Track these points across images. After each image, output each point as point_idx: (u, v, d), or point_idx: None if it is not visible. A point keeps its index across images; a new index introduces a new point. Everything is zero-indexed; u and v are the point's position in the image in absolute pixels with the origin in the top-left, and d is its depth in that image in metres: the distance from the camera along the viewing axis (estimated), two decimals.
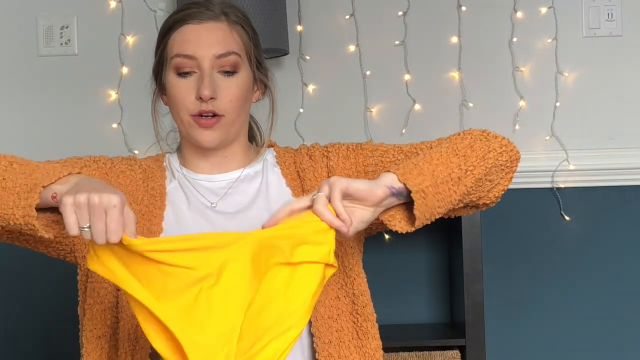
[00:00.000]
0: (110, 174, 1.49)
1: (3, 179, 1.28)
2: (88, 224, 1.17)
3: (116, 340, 1.41)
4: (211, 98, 1.43)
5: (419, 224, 1.31)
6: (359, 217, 1.28)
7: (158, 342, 1.20)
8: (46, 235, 1.25)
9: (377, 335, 1.47)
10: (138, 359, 1.38)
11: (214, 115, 1.44)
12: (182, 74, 1.45)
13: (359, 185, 1.26)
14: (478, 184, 1.37)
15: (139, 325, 1.35)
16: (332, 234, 1.25)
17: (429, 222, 1.34)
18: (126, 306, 1.39)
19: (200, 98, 1.43)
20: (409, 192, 1.29)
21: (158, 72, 1.51)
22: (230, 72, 1.46)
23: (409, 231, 1.31)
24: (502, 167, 1.40)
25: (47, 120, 2.65)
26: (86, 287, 1.44)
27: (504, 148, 1.40)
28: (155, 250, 1.19)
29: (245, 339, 1.20)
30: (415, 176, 1.30)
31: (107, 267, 1.20)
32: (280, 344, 1.21)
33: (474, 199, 1.39)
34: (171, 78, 1.47)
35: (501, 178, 1.41)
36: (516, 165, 1.42)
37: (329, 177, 1.49)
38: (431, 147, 1.44)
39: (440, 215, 1.35)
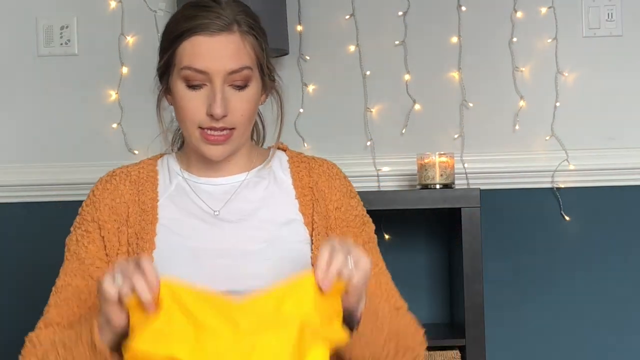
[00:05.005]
0: (101, 220, 1.47)
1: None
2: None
3: None
4: (223, 115, 1.40)
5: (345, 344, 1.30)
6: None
7: None
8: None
9: None
10: None
11: (224, 129, 1.42)
12: (192, 86, 1.42)
13: (365, 284, 1.27)
14: None
15: None
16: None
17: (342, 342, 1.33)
18: None
19: (211, 115, 1.40)
20: (355, 322, 1.31)
21: (164, 73, 1.47)
22: (241, 87, 1.43)
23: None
24: None
25: (47, 120, 2.65)
26: None
27: None
28: (196, 301, 1.21)
29: None
30: (369, 319, 1.32)
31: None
32: None
33: None
34: (180, 88, 1.43)
35: None
36: None
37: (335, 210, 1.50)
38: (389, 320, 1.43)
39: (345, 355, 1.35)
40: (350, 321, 1.31)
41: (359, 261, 1.25)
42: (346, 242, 1.26)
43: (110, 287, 1.21)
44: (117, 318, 1.23)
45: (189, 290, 1.22)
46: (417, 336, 1.45)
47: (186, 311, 1.20)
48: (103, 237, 1.46)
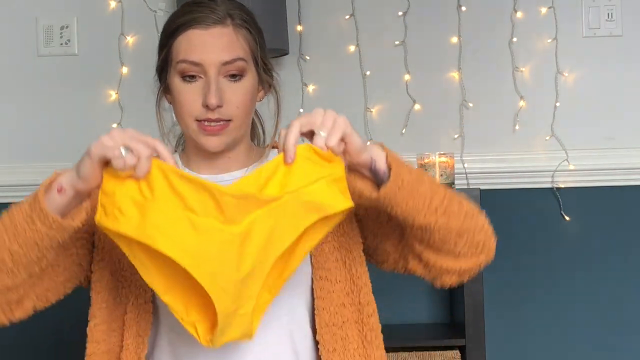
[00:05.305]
0: None
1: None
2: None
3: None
4: (218, 106, 1.42)
5: (384, 195, 1.28)
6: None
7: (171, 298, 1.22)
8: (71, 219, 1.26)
9: (382, 346, 1.46)
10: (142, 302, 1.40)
11: (220, 120, 1.44)
12: (187, 77, 1.44)
13: (356, 139, 1.27)
14: (445, 232, 1.37)
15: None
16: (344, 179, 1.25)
17: (387, 211, 1.32)
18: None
19: (207, 106, 1.42)
20: (387, 177, 1.28)
21: (162, 71, 1.49)
22: (236, 77, 1.44)
23: (372, 196, 1.29)
24: (474, 243, 1.43)
25: (47, 120, 2.65)
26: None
27: (486, 233, 1.46)
28: (186, 180, 1.21)
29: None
30: (401, 167, 1.29)
31: (121, 215, 1.19)
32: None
33: (432, 252, 1.42)
34: (176, 82, 1.45)
35: (464, 254, 1.44)
36: (483, 262, 1.49)
37: None
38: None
39: (398, 216, 1.33)
40: (381, 182, 1.30)
41: (332, 125, 1.26)
42: (311, 115, 1.28)
43: (120, 160, 1.21)
44: (94, 179, 1.24)
45: (177, 172, 1.23)
46: (471, 203, 1.41)
47: (176, 192, 1.21)
48: None
